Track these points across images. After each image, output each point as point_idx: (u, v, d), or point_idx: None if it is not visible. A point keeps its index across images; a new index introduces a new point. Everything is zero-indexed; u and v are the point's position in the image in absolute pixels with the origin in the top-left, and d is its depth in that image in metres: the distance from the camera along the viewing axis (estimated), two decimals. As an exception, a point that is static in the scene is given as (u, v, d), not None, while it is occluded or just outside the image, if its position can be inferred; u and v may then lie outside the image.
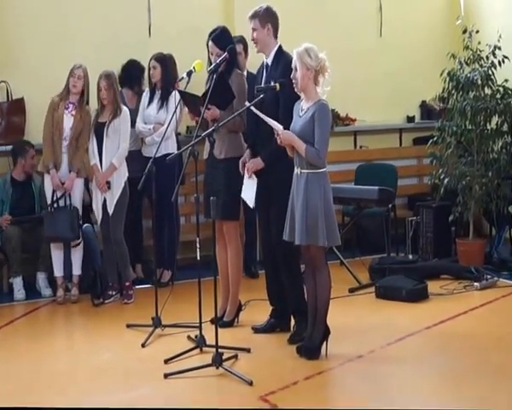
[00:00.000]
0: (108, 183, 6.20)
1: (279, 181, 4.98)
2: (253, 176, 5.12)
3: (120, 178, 6.24)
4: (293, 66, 4.76)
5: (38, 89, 6.79)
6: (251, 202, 5.19)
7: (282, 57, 5.12)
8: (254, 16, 5.22)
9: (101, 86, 6.19)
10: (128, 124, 6.30)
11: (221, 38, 5.39)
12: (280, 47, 5.19)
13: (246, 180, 5.17)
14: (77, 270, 6.42)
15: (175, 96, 6.24)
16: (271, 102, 5.00)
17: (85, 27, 7.13)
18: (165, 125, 6.24)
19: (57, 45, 7.01)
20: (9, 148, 6.75)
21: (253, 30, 5.22)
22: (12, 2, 6.99)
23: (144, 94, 6.82)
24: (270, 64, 5.21)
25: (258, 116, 4.90)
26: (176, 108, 5.85)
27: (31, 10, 6.99)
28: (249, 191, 5.15)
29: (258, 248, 7.00)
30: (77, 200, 6.37)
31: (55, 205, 6.28)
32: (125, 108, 6.28)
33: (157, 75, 6.70)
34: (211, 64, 5.37)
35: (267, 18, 5.21)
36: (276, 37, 5.25)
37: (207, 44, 5.43)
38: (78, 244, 6.39)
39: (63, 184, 6.26)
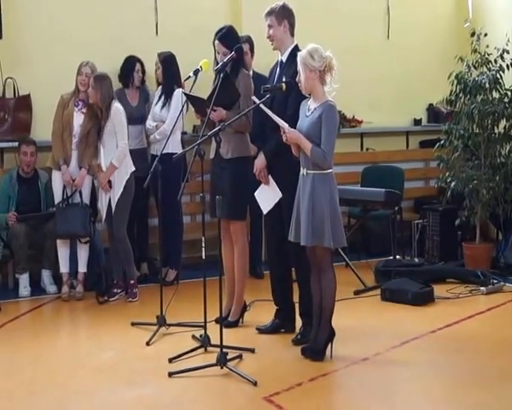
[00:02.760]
0: (110, 182, 6.21)
1: (289, 181, 4.93)
2: (276, 188, 5.08)
3: (121, 177, 6.23)
4: (297, 69, 4.74)
5: (45, 86, 6.80)
6: (264, 209, 5.19)
7: (297, 56, 4.98)
8: (270, 13, 5.17)
9: (89, 85, 6.22)
10: (122, 121, 6.23)
11: (228, 37, 5.37)
12: (296, 46, 5.12)
13: (264, 186, 5.15)
14: (82, 267, 6.43)
15: (180, 95, 6.22)
16: (281, 101, 4.99)
17: (92, 25, 7.12)
18: (165, 124, 6.45)
19: (64, 43, 7.00)
20: (16, 144, 6.75)
21: (269, 27, 5.17)
22: (20, 0, 6.98)
23: (156, 92, 6.84)
24: (284, 61, 5.17)
25: (265, 117, 4.89)
26: (182, 106, 5.84)
27: (38, 8, 6.98)
28: (267, 199, 5.13)
29: (263, 248, 6.99)
30: (86, 197, 6.38)
31: (66, 202, 6.29)
32: (114, 107, 6.20)
33: (160, 74, 6.74)
34: (217, 63, 5.35)
35: (283, 15, 5.16)
36: (292, 34, 5.20)
37: (214, 43, 5.41)
38: (87, 242, 6.38)
39: (73, 180, 6.27)
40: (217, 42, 5.37)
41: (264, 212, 5.22)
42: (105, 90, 6.19)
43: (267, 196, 5.15)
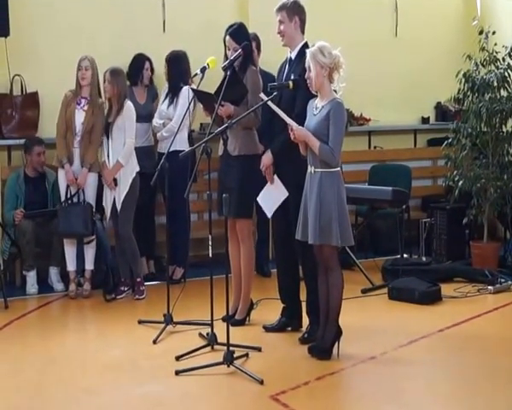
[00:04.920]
0: (115, 180, 6.20)
1: (297, 180, 4.92)
2: (282, 187, 5.07)
3: (127, 175, 6.22)
4: (306, 66, 4.72)
5: (53, 83, 6.79)
6: (269, 212, 5.18)
7: (306, 53, 4.87)
8: (282, 8, 5.14)
9: (105, 80, 6.21)
10: (132, 119, 6.25)
11: (239, 32, 5.36)
12: (306, 43, 5.08)
13: (269, 187, 5.13)
14: (89, 265, 6.43)
15: (187, 93, 6.23)
16: (288, 99, 4.97)
17: (100, 22, 7.13)
18: (173, 121, 6.45)
19: (71, 40, 6.99)
20: (23, 142, 6.75)
21: (280, 22, 5.13)
22: (28, -3, 7.00)
23: (163, 90, 6.84)
24: (293, 58, 5.15)
25: (273, 115, 4.87)
26: (189, 104, 5.83)
27: (45, 5, 6.99)
28: (272, 200, 5.12)
29: (270, 246, 6.98)
30: (90, 195, 6.36)
31: (69, 201, 6.28)
32: (128, 104, 6.23)
33: (166, 73, 6.74)
34: (227, 60, 5.34)
35: (295, 11, 5.13)
36: (302, 31, 5.16)
37: (224, 39, 5.40)
38: (92, 241, 6.38)
39: (77, 179, 6.27)
40: (227, 38, 5.36)
41: (269, 215, 5.22)
42: (121, 86, 6.21)
43: (272, 197, 5.13)
